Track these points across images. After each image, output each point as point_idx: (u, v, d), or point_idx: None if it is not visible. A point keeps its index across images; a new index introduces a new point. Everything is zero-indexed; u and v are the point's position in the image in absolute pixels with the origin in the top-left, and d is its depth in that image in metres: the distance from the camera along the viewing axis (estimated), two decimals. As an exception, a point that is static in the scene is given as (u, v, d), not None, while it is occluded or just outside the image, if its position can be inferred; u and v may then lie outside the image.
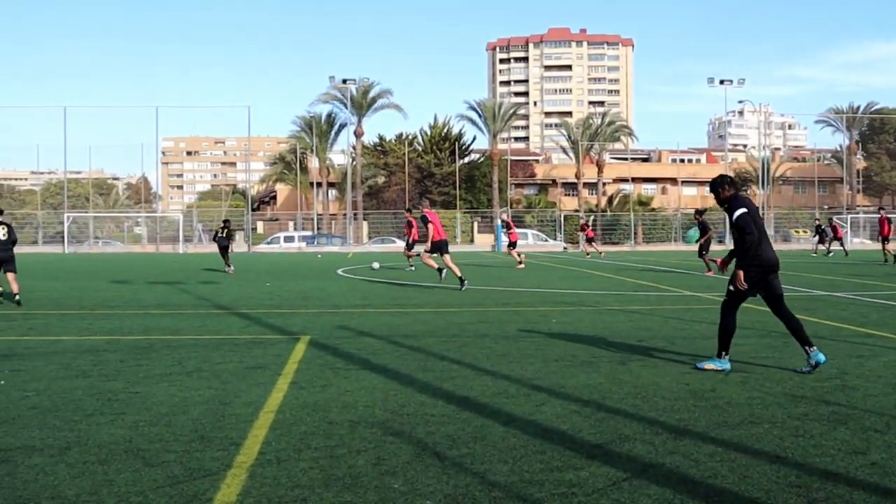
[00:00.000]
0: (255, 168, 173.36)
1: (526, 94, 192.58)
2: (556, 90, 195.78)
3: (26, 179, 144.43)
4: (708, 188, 9.55)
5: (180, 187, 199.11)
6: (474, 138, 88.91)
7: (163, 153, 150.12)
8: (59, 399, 6.75)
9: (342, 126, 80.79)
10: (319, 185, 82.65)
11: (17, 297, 14.68)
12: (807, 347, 7.92)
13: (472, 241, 72.22)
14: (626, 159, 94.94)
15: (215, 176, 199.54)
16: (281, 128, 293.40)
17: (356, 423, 5.91)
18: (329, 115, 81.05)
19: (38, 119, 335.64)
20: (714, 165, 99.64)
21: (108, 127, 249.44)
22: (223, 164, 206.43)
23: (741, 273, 7.95)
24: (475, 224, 76.17)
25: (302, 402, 6.60)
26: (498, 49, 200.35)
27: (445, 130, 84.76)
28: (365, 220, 74.45)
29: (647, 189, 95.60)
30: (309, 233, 67.84)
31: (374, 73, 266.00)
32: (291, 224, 77.70)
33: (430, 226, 18.43)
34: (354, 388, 7.16)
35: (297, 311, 14.09)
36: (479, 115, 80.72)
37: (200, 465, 4.90)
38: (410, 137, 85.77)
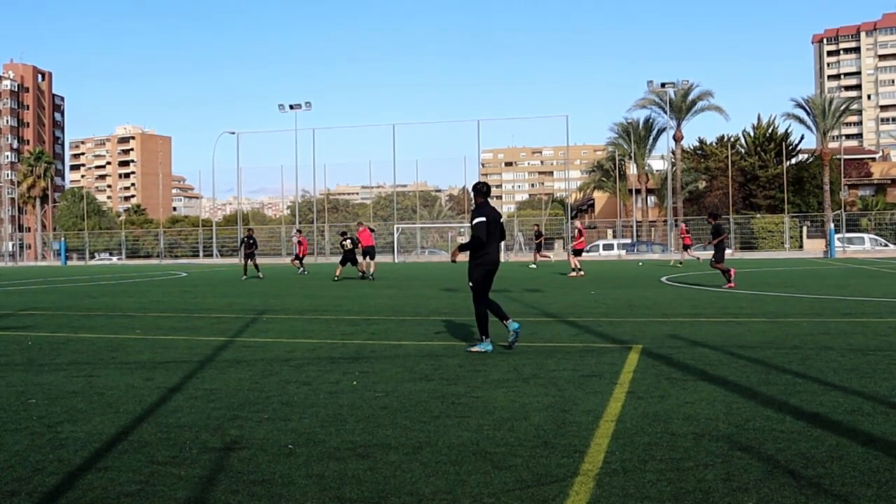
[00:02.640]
0: (572, 177, 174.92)
1: (858, 87, 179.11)
2: (892, 81, 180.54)
3: (357, 194, 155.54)
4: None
5: (499, 197, 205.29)
6: (802, 137, 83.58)
7: (482, 165, 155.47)
8: (407, 400, 7.12)
9: (660, 131, 79.56)
10: (638, 191, 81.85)
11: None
12: (505, 322, 10.14)
13: (800, 246, 68.25)
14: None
15: (532, 185, 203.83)
16: (596, 136, 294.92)
17: (700, 435, 5.72)
18: (647, 121, 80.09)
19: (369, 137, 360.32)
20: None
21: (431, 142, 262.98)
22: (540, 173, 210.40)
23: (472, 271, 10.02)
24: (804, 229, 71.90)
25: (641, 412, 6.50)
26: (825, 41, 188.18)
27: (770, 130, 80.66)
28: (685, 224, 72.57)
29: None
30: (628, 240, 67.34)
31: (693, 75, 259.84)
32: (610, 232, 77.53)
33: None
34: (694, 399, 6.94)
35: (625, 319, 13.97)
36: (808, 113, 76.08)
37: (547, 470, 4.94)
38: (732, 139, 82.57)
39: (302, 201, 77.72)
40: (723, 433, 5.77)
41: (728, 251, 41.90)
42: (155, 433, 6.01)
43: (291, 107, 64.67)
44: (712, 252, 22.36)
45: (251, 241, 32.74)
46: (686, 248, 40.25)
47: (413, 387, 7.78)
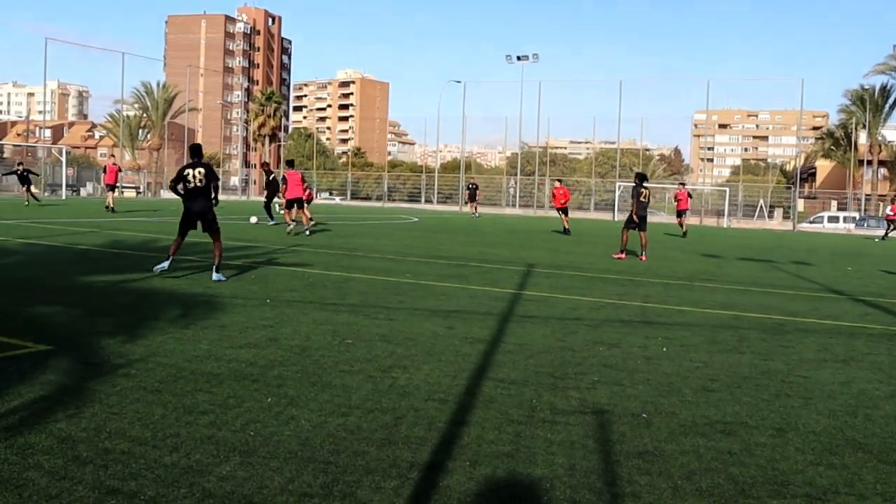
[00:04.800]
0: (787, 142, 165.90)
1: None
2: None
3: (565, 148, 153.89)
4: None
5: (710, 160, 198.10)
6: None
7: (694, 125, 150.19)
8: (731, 374, 6.79)
9: (900, 99, 73.75)
10: (869, 162, 76.66)
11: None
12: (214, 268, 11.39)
13: None
14: None
15: (746, 150, 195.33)
16: (816, 101, 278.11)
17: None
18: (883, 88, 74.53)
19: (596, 93, 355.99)
20: None
21: (643, 99, 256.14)
22: (754, 137, 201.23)
23: None
24: None
25: None
26: None
27: None
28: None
29: None
30: (855, 214, 63.24)
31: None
32: (834, 203, 73.07)
33: None
34: None
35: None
36: None
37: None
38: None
39: (523, 153, 77.66)
40: None
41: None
42: (495, 389, 5.94)
43: (519, 58, 64.42)
44: None
45: (474, 188, 36.98)
46: None
47: (727, 359, 7.42)
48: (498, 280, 13.23)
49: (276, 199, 26.30)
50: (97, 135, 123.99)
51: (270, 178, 27.21)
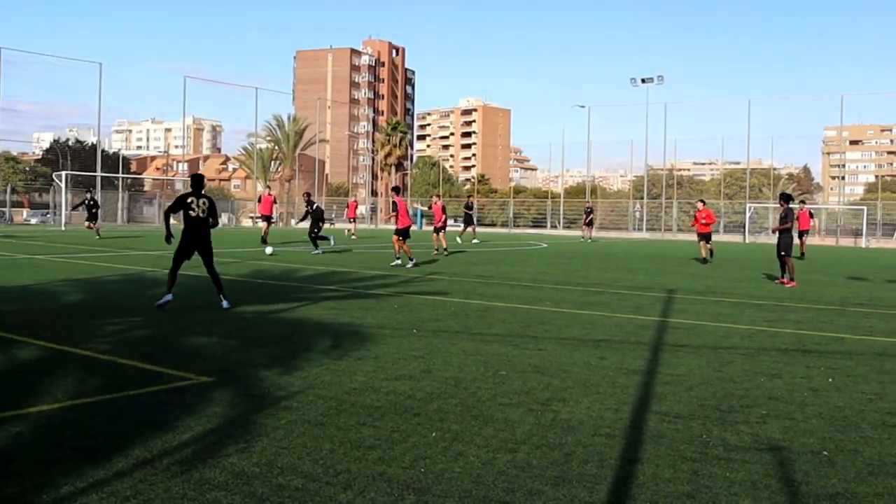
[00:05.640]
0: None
1: None
2: None
3: (688, 169, 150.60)
4: None
5: (842, 178, 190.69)
6: None
7: (823, 142, 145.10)
8: None
9: None
10: None
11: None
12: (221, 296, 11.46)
13: None
14: None
15: (880, 166, 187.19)
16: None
17: None
18: None
19: (721, 112, 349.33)
20: None
21: (769, 117, 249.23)
22: (889, 153, 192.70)
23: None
24: None
25: None
26: None
27: None
28: None
29: None
30: None
31: None
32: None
33: None
34: None
35: None
36: None
37: None
38: None
39: (649, 175, 76.47)
40: None
41: None
42: (661, 423, 5.75)
43: (643, 80, 63.72)
44: None
45: (590, 211, 42.10)
46: None
47: (900, 390, 7.00)
48: (640, 307, 12.95)
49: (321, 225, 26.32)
50: (230, 167, 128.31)
51: (313, 207, 26.73)
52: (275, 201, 33.05)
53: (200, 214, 11.48)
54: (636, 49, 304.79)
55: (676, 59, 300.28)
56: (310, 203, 27.26)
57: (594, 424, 5.67)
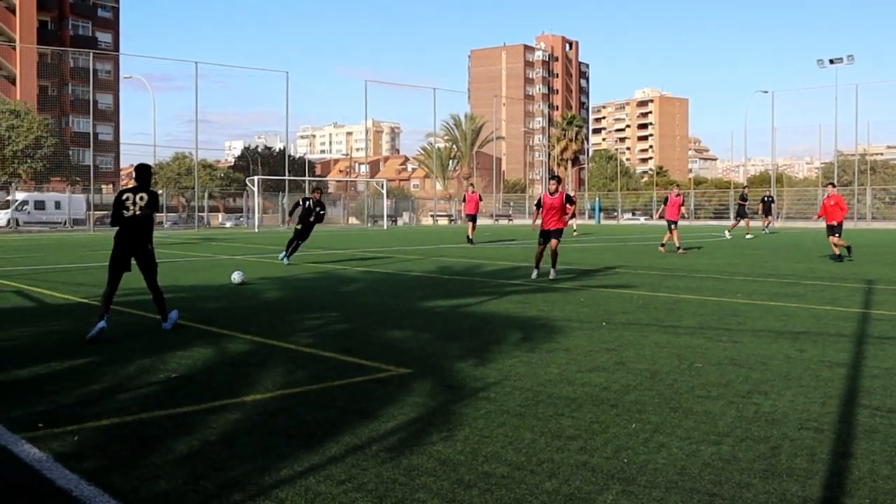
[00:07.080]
0: None
1: None
2: None
3: (881, 154, 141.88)
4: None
5: None
6: None
7: None
8: None
9: None
10: None
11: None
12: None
13: None
14: None
15: None
16: None
17: None
18: None
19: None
20: None
21: None
22: None
23: None
24: None
25: None
26: None
27: None
28: None
29: None
30: None
31: None
32: None
33: None
34: None
35: None
36: None
37: None
38: None
39: (839, 161, 72.81)
40: None
41: None
42: (872, 418, 5.51)
43: (832, 61, 60.73)
44: None
45: (769, 200, 38.70)
46: None
47: None
48: (837, 298, 12.39)
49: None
50: (409, 167, 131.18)
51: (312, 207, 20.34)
52: (480, 199, 32.66)
53: (136, 213, 9.09)
54: (822, 28, 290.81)
55: (867, 37, 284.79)
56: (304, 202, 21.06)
57: (800, 418, 5.49)
